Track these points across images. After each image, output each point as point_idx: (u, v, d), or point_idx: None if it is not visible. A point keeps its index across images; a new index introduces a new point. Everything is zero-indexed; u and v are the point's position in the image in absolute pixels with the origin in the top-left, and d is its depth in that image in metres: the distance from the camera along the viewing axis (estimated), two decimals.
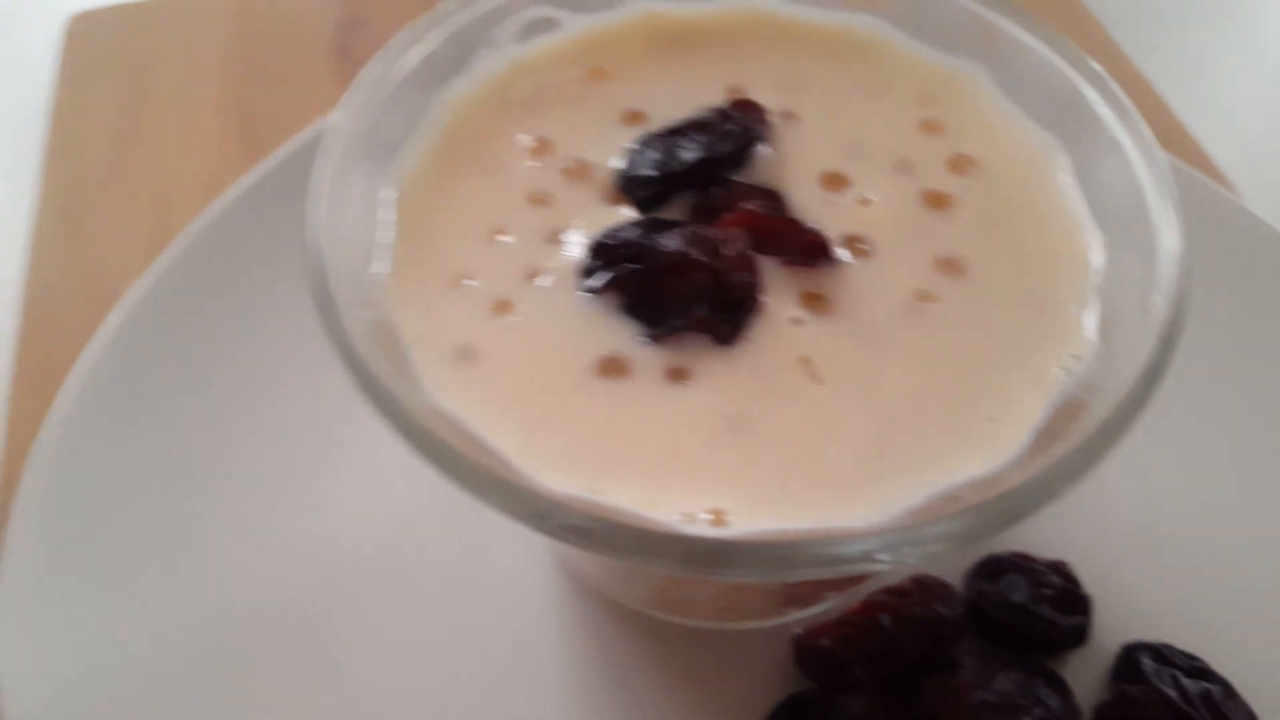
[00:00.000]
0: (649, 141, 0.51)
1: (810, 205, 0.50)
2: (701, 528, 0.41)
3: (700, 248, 0.45)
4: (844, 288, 0.47)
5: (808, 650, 0.56)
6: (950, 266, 0.48)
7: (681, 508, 0.41)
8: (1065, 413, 0.44)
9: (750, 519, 0.41)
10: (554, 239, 0.49)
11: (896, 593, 0.57)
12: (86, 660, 0.54)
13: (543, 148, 0.52)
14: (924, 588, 0.57)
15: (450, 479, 0.39)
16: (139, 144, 0.83)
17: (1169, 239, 0.45)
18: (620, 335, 0.45)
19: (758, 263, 0.47)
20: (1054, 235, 0.50)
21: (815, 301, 0.46)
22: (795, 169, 0.51)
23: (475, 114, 0.53)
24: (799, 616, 0.58)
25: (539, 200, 0.50)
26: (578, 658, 0.58)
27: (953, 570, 0.59)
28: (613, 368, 0.44)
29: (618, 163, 0.51)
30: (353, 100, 0.49)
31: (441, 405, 0.44)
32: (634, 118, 0.53)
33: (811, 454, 0.43)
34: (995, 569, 0.59)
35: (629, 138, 0.52)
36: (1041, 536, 0.60)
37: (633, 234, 0.46)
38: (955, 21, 0.55)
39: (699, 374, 0.44)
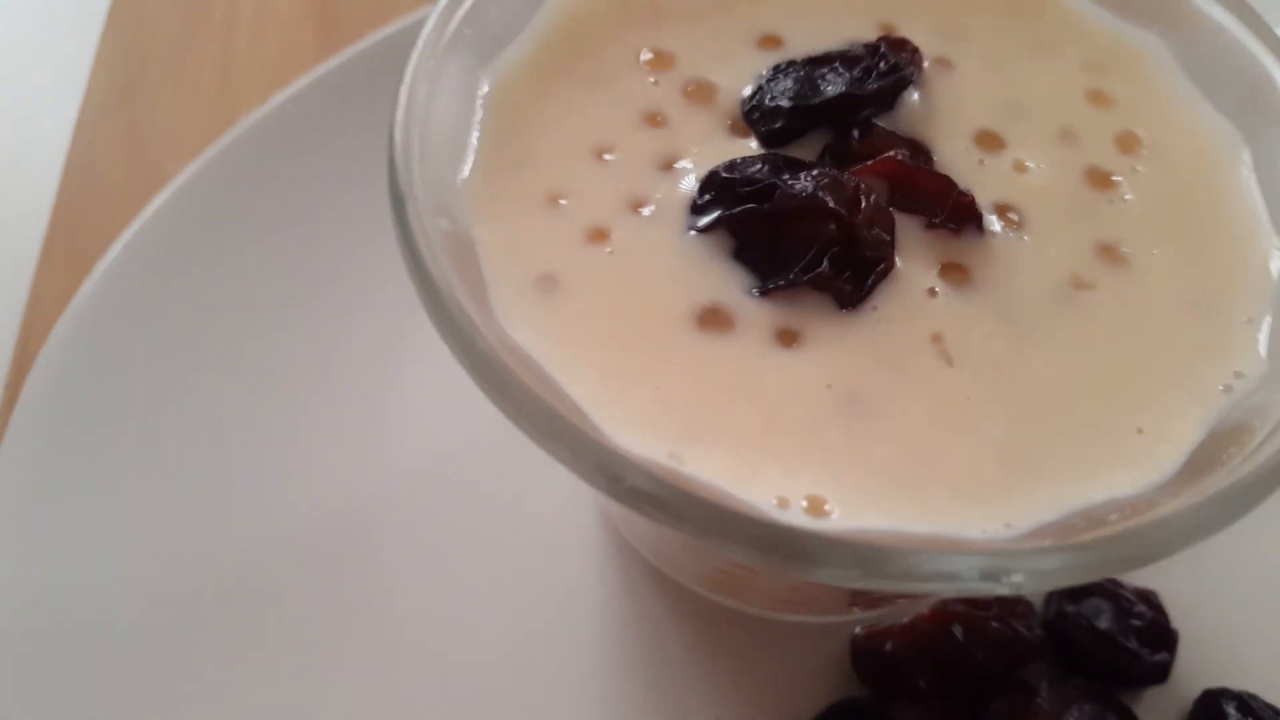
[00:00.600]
0: (785, 69, 0.45)
1: (961, 165, 0.44)
2: (796, 516, 0.35)
3: (835, 194, 0.39)
4: (991, 261, 0.41)
5: (867, 654, 0.51)
6: (1110, 254, 0.42)
7: (776, 489, 0.36)
8: (1225, 437, 0.38)
9: (853, 513, 0.36)
10: (665, 166, 0.43)
11: (973, 603, 0.52)
12: (81, 566, 0.51)
13: (663, 62, 0.46)
14: (1003, 602, 0.52)
15: (515, 419, 0.34)
16: (207, 17, 0.78)
17: None
18: (728, 284, 0.40)
19: (896, 221, 0.41)
20: (1229, 235, 0.43)
21: (956, 273, 0.40)
22: (948, 122, 0.45)
23: (592, 15, 0.47)
24: (864, 617, 0.53)
25: (653, 120, 0.44)
26: (618, 626, 0.53)
27: None
28: (714, 320, 0.39)
29: (747, 89, 0.45)
30: None
31: (514, 337, 0.38)
32: (770, 42, 0.47)
33: (934, 445, 0.37)
34: (1080, 590, 0.53)
35: (763, 64, 0.46)
36: None
37: (755, 169, 0.41)
38: None
39: (813, 339, 0.39)
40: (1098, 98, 0.47)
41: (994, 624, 0.51)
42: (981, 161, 0.44)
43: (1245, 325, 0.41)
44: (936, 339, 0.39)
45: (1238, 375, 0.39)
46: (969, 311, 0.40)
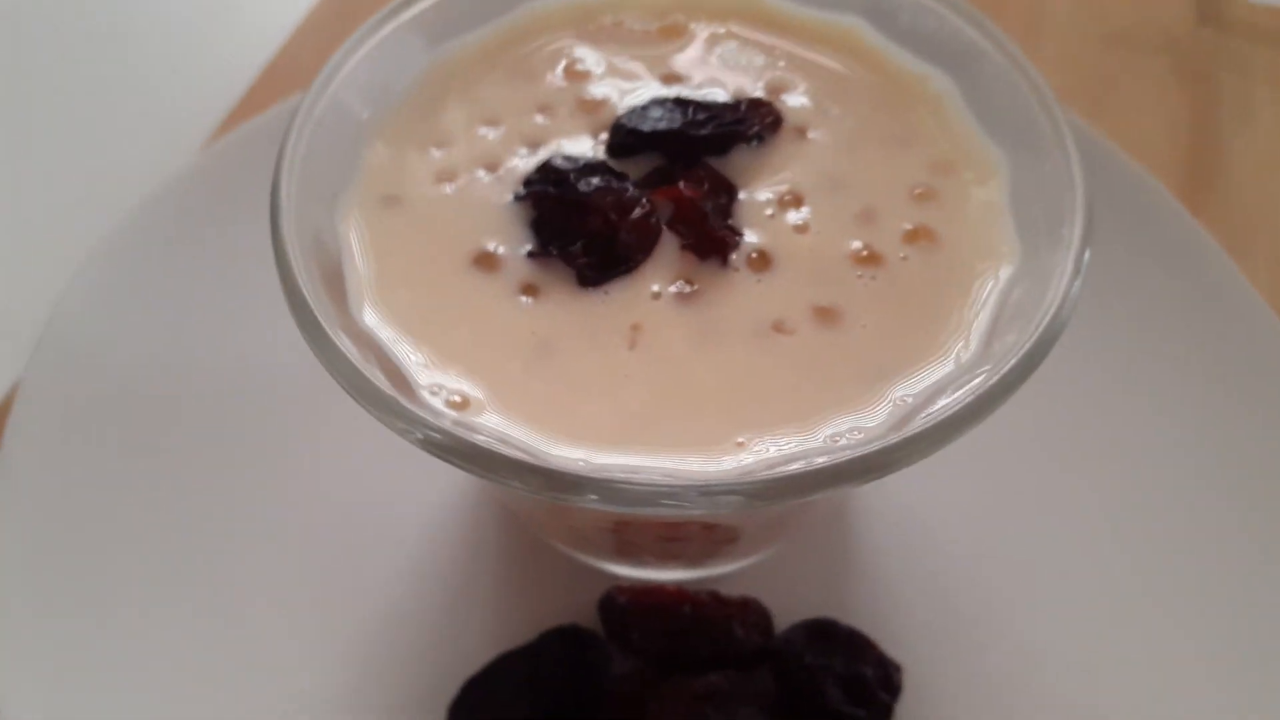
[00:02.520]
0: (659, 102, 0.55)
1: (753, 212, 0.52)
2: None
3: (609, 199, 0.50)
4: (719, 287, 0.50)
5: (608, 598, 0.60)
6: (826, 315, 0.49)
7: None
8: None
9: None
10: (529, 145, 0.55)
11: (717, 597, 0.60)
12: None
13: (579, 75, 0.58)
14: (746, 607, 0.60)
15: (348, 391, 0.44)
16: None
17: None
18: (512, 241, 0.52)
19: (660, 234, 0.51)
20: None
21: (686, 287, 0.50)
22: (767, 176, 0.54)
23: (549, 21, 0.60)
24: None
25: (543, 111, 0.56)
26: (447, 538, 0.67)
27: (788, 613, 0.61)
28: (486, 262, 0.51)
29: (621, 109, 0.56)
30: None
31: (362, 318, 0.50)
32: (672, 79, 0.58)
33: (584, 399, 0.47)
34: (828, 634, 0.60)
35: (651, 94, 0.56)
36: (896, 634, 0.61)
37: (574, 166, 0.52)
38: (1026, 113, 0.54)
39: (546, 298, 0.50)
40: (924, 195, 0.53)
41: (719, 618, 0.59)
42: (771, 215, 0.52)
43: (888, 404, 0.47)
44: (635, 327, 0.49)
45: (854, 430, 0.46)
46: (674, 316, 0.49)
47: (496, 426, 0.46)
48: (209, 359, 0.72)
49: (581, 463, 0.45)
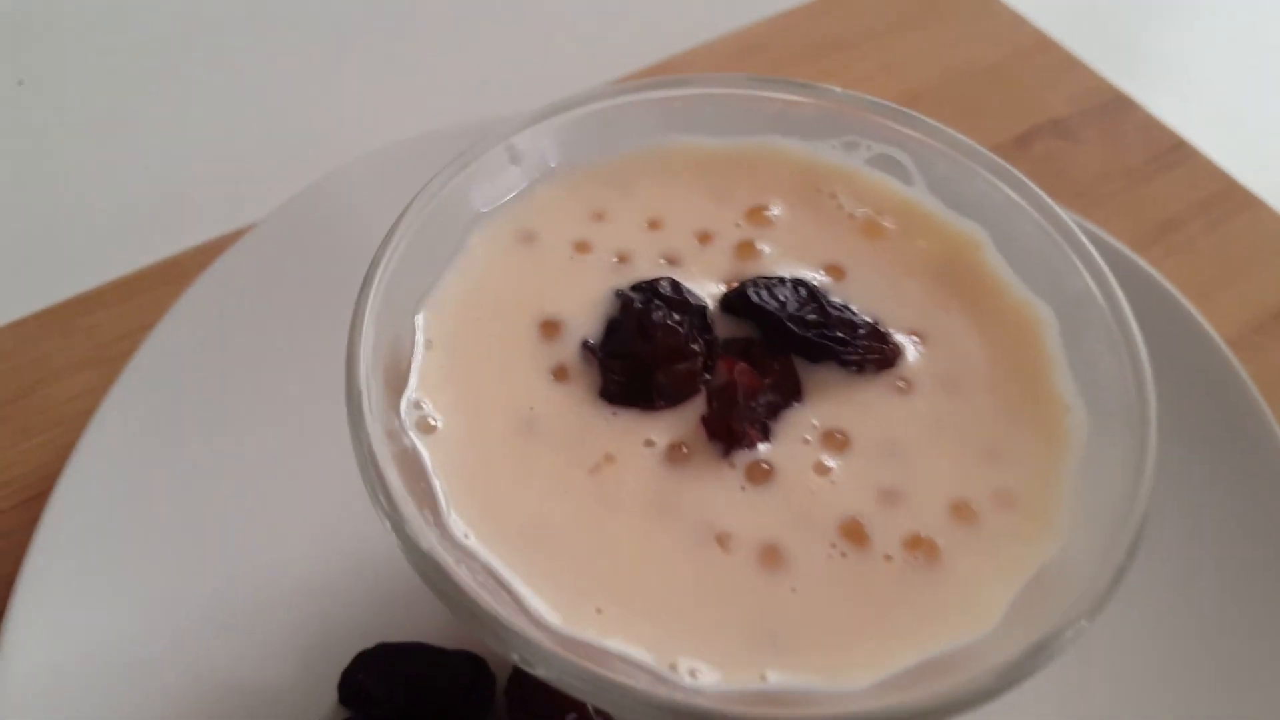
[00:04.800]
0: (797, 283, 0.54)
1: (796, 428, 0.51)
2: None
3: (669, 340, 0.51)
4: (703, 472, 0.49)
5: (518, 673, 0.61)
6: (771, 559, 0.47)
7: None
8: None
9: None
10: (669, 259, 0.57)
11: None
12: None
13: (761, 219, 0.58)
14: None
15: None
16: None
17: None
18: (584, 324, 0.54)
19: (697, 394, 0.51)
20: None
21: (680, 451, 0.50)
22: (836, 406, 0.52)
23: (777, 160, 0.61)
24: None
25: (703, 236, 0.58)
26: None
27: None
28: (549, 328, 0.54)
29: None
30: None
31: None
32: (834, 271, 0.56)
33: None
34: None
35: (802, 274, 0.56)
36: None
37: (668, 293, 0.53)
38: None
39: (568, 385, 0.52)
40: (964, 515, 0.49)
41: None
42: (808, 440, 0.50)
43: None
44: (608, 458, 0.49)
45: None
46: (646, 468, 0.49)
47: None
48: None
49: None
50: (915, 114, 0.59)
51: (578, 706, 0.60)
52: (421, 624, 0.63)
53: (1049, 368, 0.54)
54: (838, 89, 0.60)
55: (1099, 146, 0.97)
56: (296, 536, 0.67)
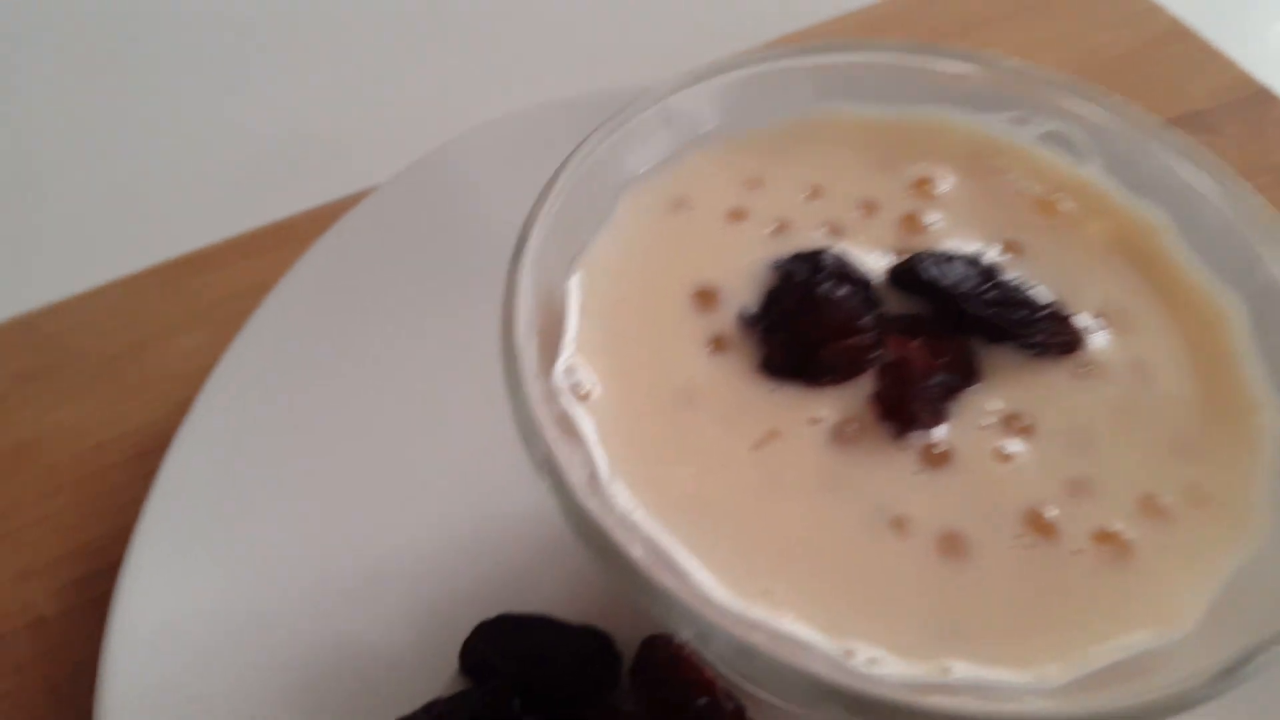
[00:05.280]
0: (971, 260, 0.51)
1: (973, 411, 0.48)
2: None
3: (837, 314, 0.48)
4: (876, 454, 0.47)
5: (649, 642, 0.59)
6: (951, 546, 0.44)
7: None
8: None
9: None
10: (833, 229, 0.54)
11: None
12: None
13: (927, 195, 0.55)
14: None
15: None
16: None
17: None
18: (741, 292, 0.51)
19: (863, 372, 0.48)
20: None
21: (851, 428, 0.47)
22: (1017, 390, 0.49)
23: (945, 131, 0.58)
24: None
25: (868, 207, 0.55)
26: None
27: None
28: (704, 298, 0.51)
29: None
30: None
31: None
32: (1013, 248, 0.53)
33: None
34: None
35: (975, 250, 0.53)
36: None
37: (833, 265, 0.50)
38: None
39: (724, 354, 0.50)
40: (1152, 510, 0.46)
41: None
42: (987, 426, 0.48)
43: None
44: (771, 433, 0.47)
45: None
46: (813, 446, 0.47)
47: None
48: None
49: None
50: (1096, 88, 0.55)
51: (709, 690, 0.57)
52: (546, 595, 0.61)
53: (1239, 361, 0.50)
54: (1010, 60, 0.57)
55: (1242, 142, 0.93)
56: (418, 502, 0.65)
